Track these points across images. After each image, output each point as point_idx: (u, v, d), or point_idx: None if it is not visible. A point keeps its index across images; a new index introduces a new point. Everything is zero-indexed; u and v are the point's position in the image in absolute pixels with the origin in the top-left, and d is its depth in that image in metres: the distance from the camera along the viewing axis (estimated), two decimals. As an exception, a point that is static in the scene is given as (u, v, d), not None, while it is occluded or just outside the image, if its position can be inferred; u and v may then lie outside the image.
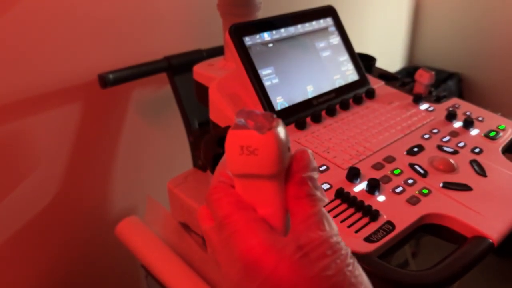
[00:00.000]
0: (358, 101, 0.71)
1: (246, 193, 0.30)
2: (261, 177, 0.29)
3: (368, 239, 0.46)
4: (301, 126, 0.64)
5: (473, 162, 0.59)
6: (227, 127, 0.63)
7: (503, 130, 0.67)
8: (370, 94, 0.73)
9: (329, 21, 0.76)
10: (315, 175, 0.30)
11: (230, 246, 0.29)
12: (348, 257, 0.28)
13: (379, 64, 0.84)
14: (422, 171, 0.57)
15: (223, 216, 0.30)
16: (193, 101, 0.82)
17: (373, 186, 0.52)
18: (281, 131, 0.28)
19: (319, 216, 0.29)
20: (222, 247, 0.30)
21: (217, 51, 0.90)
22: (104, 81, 0.79)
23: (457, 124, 0.68)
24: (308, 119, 0.66)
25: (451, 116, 0.69)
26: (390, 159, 0.59)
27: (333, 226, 0.29)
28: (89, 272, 1.00)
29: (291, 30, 0.70)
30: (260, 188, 0.29)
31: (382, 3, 1.65)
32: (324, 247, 0.28)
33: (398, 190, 0.53)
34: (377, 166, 0.57)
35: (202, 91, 0.72)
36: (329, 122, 0.66)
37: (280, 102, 0.65)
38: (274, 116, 0.29)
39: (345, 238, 0.46)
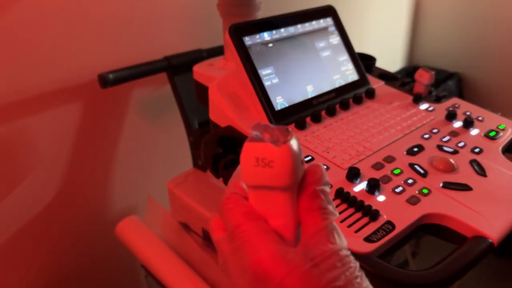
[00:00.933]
0: (358, 101, 0.71)
1: (259, 204, 0.31)
2: (275, 188, 0.29)
3: (368, 239, 0.46)
4: (301, 126, 0.64)
5: (473, 162, 0.59)
6: (227, 127, 0.63)
7: (503, 130, 0.67)
8: (370, 94, 0.73)
9: (329, 21, 0.76)
10: (327, 189, 0.31)
11: (240, 256, 0.29)
12: (357, 270, 0.29)
13: (379, 64, 0.84)
14: (422, 171, 0.57)
15: (234, 226, 0.30)
16: (193, 101, 0.82)
17: (373, 186, 0.52)
18: (295, 144, 0.29)
19: (330, 229, 0.30)
20: (232, 257, 0.30)
21: (217, 51, 0.90)
22: (104, 81, 0.79)
23: (457, 124, 0.68)
24: (308, 119, 0.66)
25: (451, 116, 0.69)
26: (390, 159, 0.59)
27: (343, 240, 0.30)
28: (89, 272, 1.00)
29: (291, 30, 0.70)
30: (273, 199, 0.30)
31: (382, 3, 1.65)
32: (334, 259, 0.28)
33: (398, 190, 0.53)
34: (377, 166, 0.57)
35: (202, 91, 0.72)
36: (329, 122, 0.66)
37: (280, 102, 0.65)
38: (289, 130, 0.30)
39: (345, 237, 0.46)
